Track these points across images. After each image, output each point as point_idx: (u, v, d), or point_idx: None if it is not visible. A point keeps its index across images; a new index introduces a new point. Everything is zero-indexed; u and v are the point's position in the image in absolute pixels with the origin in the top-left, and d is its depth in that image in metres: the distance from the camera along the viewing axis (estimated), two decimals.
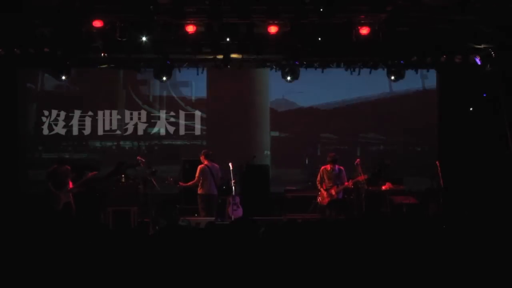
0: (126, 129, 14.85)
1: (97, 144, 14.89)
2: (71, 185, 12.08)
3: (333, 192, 12.26)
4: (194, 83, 15.25)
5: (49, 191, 12.01)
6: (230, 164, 12.90)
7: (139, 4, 10.86)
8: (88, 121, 14.70)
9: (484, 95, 13.67)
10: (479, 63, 13.05)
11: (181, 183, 12.58)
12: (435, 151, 14.85)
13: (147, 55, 12.97)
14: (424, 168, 14.19)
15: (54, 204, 11.76)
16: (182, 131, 15.01)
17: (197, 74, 14.41)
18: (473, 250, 6.22)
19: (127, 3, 11.02)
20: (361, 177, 12.51)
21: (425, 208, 13.06)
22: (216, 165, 12.55)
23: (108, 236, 6.24)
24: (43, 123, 14.57)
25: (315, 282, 5.51)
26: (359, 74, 14.25)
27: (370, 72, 14.16)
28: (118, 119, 14.82)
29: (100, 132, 14.76)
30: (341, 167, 12.51)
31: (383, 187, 12.97)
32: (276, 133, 15.46)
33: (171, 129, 14.93)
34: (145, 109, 14.94)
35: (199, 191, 12.24)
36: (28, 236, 6.29)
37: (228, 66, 13.63)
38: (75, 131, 14.68)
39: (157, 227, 11.62)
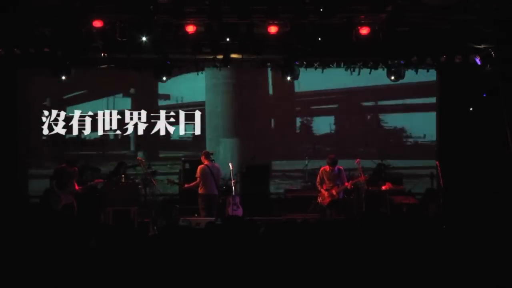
0: (126, 129, 14.85)
1: (97, 144, 14.87)
2: (76, 186, 12.02)
3: (334, 192, 12.25)
4: (194, 83, 15.26)
5: (52, 189, 11.96)
6: (230, 164, 12.92)
7: (139, 4, 10.86)
8: (88, 121, 14.69)
9: (484, 95, 13.66)
10: (479, 63, 13.04)
11: (186, 185, 12.59)
12: (435, 150, 14.85)
13: (147, 55, 12.96)
14: (424, 168, 14.23)
15: (53, 203, 11.72)
16: (182, 131, 15.00)
17: (197, 74, 14.42)
18: (473, 250, 6.22)
19: (127, 3, 11.01)
20: (362, 178, 12.51)
21: (425, 208, 13.06)
22: (216, 165, 12.57)
23: (109, 236, 6.24)
24: (43, 123, 14.55)
25: (315, 282, 5.51)
26: (359, 74, 14.26)
27: (370, 72, 14.17)
28: (118, 119, 14.81)
29: (100, 132, 14.75)
30: (341, 167, 12.51)
31: (383, 187, 12.96)
32: (275, 133, 15.47)
33: (171, 129, 14.93)
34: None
35: (200, 191, 12.25)
36: (26, 235, 6.29)
37: (228, 66, 13.63)
38: (75, 131, 14.67)
39: (155, 227, 11.62)
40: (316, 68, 14.12)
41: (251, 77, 15.09)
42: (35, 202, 13.85)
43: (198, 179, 12.24)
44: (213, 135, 15.33)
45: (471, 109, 14.21)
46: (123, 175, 12.95)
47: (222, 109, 15.35)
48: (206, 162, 12.34)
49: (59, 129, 14.61)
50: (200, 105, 15.26)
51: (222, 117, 15.29)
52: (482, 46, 12.59)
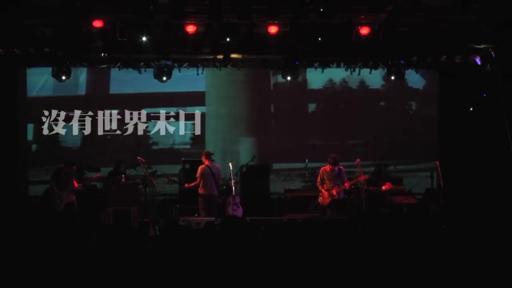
0: (126, 129, 14.84)
1: (97, 143, 14.86)
2: (75, 184, 12.04)
3: (334, 192, 12.26)
4: (195, 83, 15.25)
5: (52, 190, 11.97)
6: (230, 164, 12.92)
7: (139, 4, 10.85)
8: (88, 121, 14.68)
9: (484, 95, 13.66)
10: (479, 63, 13.04)
11: (186, 185, 12.60)
12: (435, 151, 14.86)
13: (147, 55, 12.96)
14: (424, 168, 14.22)
15: (55, 204, 11.73)
16: (182, 131, 14.99)
17: (197, 74, 14.41)
18: (473, 250, 6.22)
19: (127, 3, 11.01)
20: (362, 178, 12.51)
21: (425, 208, 13.06)
22: (216, 165, 12.57)
23: (109, 236, 6.24)
24: (43, 123, 14.55)
25: (315, 282, 5.51)
26: (359, 74, 14.27)
27: (370, 72, 14.19)
28: (118, 119, 14.80)
29: (100, 132, 14.75)
30: (341, 167, 12.50)
31: (383, 187, 12.95)
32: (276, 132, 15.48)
33: (171, 129, 14.92)
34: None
35: (200, 191, 12.25)
36: (28, 236, 6.29)
37: (228, 66, 13.62)
38: (75, 131, 14.66)
39: (156, 227, 11.62)
40: (316, 68, 14.14)
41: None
42: (34, 202, 13.83)
43: (198, 179, 12.24)
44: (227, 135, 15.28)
45: (471, 109, 14.21)
46: (123, 175, 12.95)
47: (242, 108, 15.28)
48: (206, 162, 12.34)
49: (59, 129, 14.60)
50: None
51: (238, 116, 15.22)
52: (482, 46, 12.60)
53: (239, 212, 12.57)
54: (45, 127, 14.56)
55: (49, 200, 11.95)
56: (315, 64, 14.06)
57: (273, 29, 11.64)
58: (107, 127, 14.75)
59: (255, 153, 14.43)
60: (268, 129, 15.43)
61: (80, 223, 8.67)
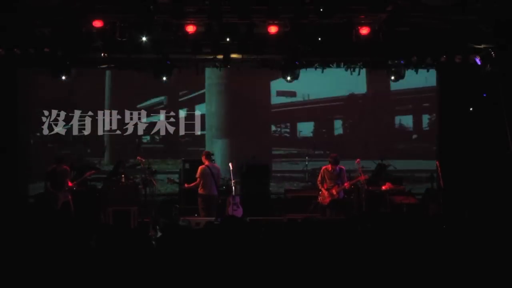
0: (126, 129, 14.84)
1: (97, 143, 14.87)
2: (70, 183, 12.09)
3: (334, 191, 12.26)
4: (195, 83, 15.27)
5: (48, 190, 12.04)
6: (230, 164, 12.92)
7: (139, 4, 10.86)
8: (88, 121, 14.69)
9: (484, 95, 13.67)
10: (479, 63, 13.04)
11: (186, 185, 12.60)
12: (435, 151, 14.86)
13: (147, 55, 12.96)
14: (424, 169, 14.22)
15: (52, 203, 11.78)
16: (182, 131, 15.00)
17: (197, 74, 14.40)
18: (473, 250, 6.22)
19: (127, 3, 11.02)
20: (362, 177, 12.52)
21: (425, 208, 13.06)
22: (216, 165, 12.58)
23: (109, 236, 6.24)
24: (43, 123, 14.55)
25: (314, 282, 5.51)
26: (359, 74, 14.27)
27: (370, 72, 14.19)
28: (118, 119, 14.81)
29: (100, 132, 14.75)
30: (342, 167, 12.50)
31: (383, 187, 12.96)
32: (276, 133, 15.49)
33: (171, 129, 14.92)
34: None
35: (200, 191, 12.25)
36: (27, 235, 6.29)
37: (228, 66, 13.63)
38: (75, 131, 14.67)
39: (157, 227, 11.63)
40: (316, 68, 14.11)
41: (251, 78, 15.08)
42: (33, 202, 13.85)
43: (198, 179, 12.24)
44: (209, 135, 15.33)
45: (471, 109, 14.21)
46: (123, 175, 12.96)
47: (216, 109, 15.32)
48: (206, 163, 12.34)
49: (59, 129, 14.61)
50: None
51: (217, 117, 15.27)
52: (482, 46, 12.60)
53: (239, 212, 12.57)
54: (45, 127, 14.57)
55: (47, 200, 12.00)
56: (315, 64, 14.07)
57: (273, 29, 11.64)
58: (107, 127, 14.76)
59: (255, 153, 14.43)
60: (269, 127, 15.44)
61: (76, 222, 8.68)
